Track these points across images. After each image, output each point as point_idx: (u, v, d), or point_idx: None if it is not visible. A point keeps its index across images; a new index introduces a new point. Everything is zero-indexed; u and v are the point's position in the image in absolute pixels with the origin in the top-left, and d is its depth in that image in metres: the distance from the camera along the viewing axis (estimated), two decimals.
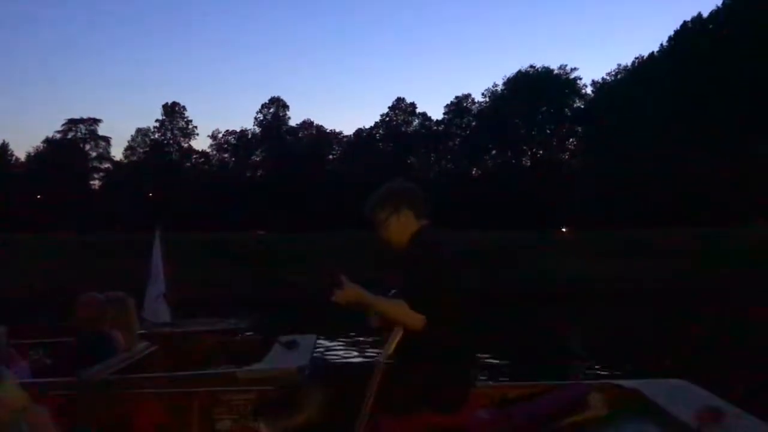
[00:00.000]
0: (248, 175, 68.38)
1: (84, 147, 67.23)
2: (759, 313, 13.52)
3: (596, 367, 8.08)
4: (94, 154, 68.11)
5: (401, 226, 2.87)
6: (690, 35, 48.12)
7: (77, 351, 4.35)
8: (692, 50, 44.77)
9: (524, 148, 63.01)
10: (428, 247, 2.76)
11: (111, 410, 3.65)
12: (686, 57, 44.73)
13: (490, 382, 3.67)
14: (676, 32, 50.82)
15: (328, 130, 70.53)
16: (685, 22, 50.38)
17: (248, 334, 6.89)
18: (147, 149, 68.60)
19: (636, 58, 57.80)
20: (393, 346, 2.59)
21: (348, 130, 70.85)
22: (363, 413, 2.51)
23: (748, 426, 2.83)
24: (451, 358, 2.68)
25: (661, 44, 52.68)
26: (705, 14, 49.04)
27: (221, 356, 5.29)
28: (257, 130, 69.37)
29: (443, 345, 2.65)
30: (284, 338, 4.74)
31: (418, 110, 67.88)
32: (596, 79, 61.97)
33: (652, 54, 53.82)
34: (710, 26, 47.28)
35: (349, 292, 2.68)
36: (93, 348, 4.29)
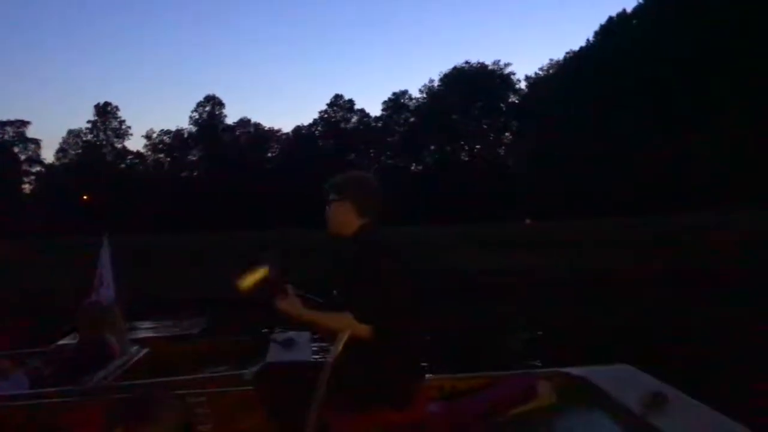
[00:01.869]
0: (184, 175, 67.12)
1: (13, 150, 64.79)
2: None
3: (540, 356, 8.22)
4: (23, 157, 65.86)
5: (339, 216, 2.82)
6: (615, 30, 49.62)
7: (78, 358, 4.27)
8: (615, 45, 46.20)
9: (462, 143, 63.79)
10: (371, 252, 2.68)
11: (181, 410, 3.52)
12: (610, 52, 46.12)
13: (441, 375, 3.66)
14: (602, 27, 52.35)
15: (266, 128, 69.99)
16: (610, 18, 51.98)
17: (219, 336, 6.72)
18: (79, 151, 66.63)
19: (567, 53, 59.34)
20: (341, 345, 2.55)
21: (287, 128, 70.34)
22: (313, 412, 2.47)
23: (690, 409, 2.91)
24: (400, 354, 2.65)
25: (588, 39, 54.27)
26: (629, 10, 50.76)
27: (217, 358, 5.15)
28: (193, 129, 68.17)
29: (392, 343, 2.61)
30: (279, 336, 4.65)
31: (356, 107, 68.14)
32: (529, 74, 63.44)
33: (580, 49, 55.29)
34: (633, 21, 48.81)
35: (289, 304, 2.63)
36: (94, 354, 4.22)
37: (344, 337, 2.54)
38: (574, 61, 54.15)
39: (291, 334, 4.69)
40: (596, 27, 53.61)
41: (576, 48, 56.96)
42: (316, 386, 2.45)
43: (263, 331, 4.99)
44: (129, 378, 4.12)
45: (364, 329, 2.53)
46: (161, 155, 69.00)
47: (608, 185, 40.39)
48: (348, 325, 2.53)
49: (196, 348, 5.48)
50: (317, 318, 2.65)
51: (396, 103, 66.62)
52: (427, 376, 3.39)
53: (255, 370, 2.94)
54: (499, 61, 63.43)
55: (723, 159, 34.39)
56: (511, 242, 21.96)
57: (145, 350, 4.83)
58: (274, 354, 4.44)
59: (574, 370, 3.58)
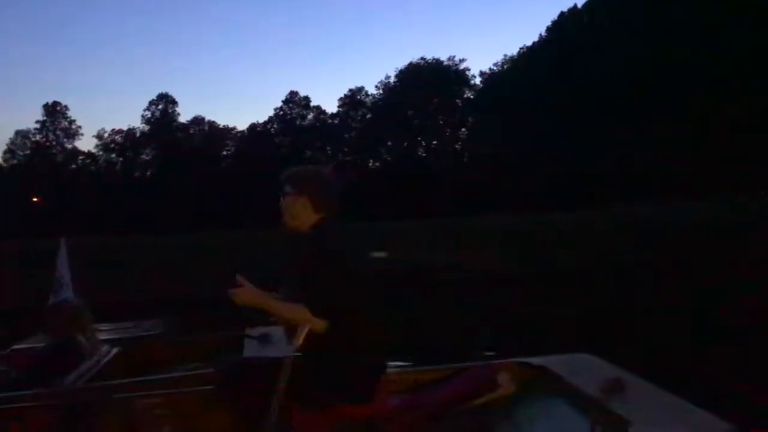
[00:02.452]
0: (137, 175, 65.95)
1: None
2: None
3: (497, 347, 8.29)
4: None
5: (294, 210, 2.78)
6: (566, 25, 50.42)
7: (48, 360, 4.15)
8: (566, 40, 46.99)
9: (419, 138, 64.06)
10: (327, 247, 2.66)
11: (96, 420, 3.41)
12: (561, 47, 46.93)
13: (402, 369, 3.66)
14: (554, 22, 53.15)
15: (220, 126, 69.12)
16: (561, 12, 52.82)
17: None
18: (28, 152, 64.87)
19: (520, 48, 60.08)
20: (300, 340, 2.53)
21: (242, 126, 69.64)
22: (273, 409, 2.44)
23: (648, 394, 2.96)
24: (360, 349, 2.63)
25: (540, 34, 55.01)
26: (580, 5, 51.52)
27: (191, 356, 5.03)
28: (146, 128, 66.94)
29: (352, 337, 2.60)
30: (253, 332, 4.58)
31: (312, 103, 67.69)
32: (484, 70, 64.03)
33: (533, 44, 56.03)
34: (584, 16, 49.66)
35: (247, 294, 2.60)
36: (65, 356, 4.11)
37: (304, 331, 2.51)
38: (527, 57, 54.86)
39: (266, 329, 4.62)
40: (549, 22, 54.47)
41: (529, 43, 57.84)
42: (275, 383, 2.42)
43: (237, 327, 4.90)
44: (101, 380, 4.03)
45: (320, 323, 2.52)
46: (113, 155, 67.60)
47: (560, 179, 41.07)
48: (305, 318, 2.51)
49: (169, 347, 5.36)
50: (276, 307, 2.61)
51: (352, 99, 66.52)
52: (388, 370, 3.38)
53: (217, 369, 2.88)
54: (454, 56, 63.95)
55: (668, 155, 35.25)
56: (465, 237, 22.09)
57: (115, 350, 4.73)
58: (250, 350, 4.38)
59: (534, 360, 3.62)
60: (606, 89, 40.79)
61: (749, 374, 6.17)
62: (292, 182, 2.81)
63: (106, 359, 4.46)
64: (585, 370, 3.36)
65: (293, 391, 2.52)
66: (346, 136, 66.16)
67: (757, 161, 32.03)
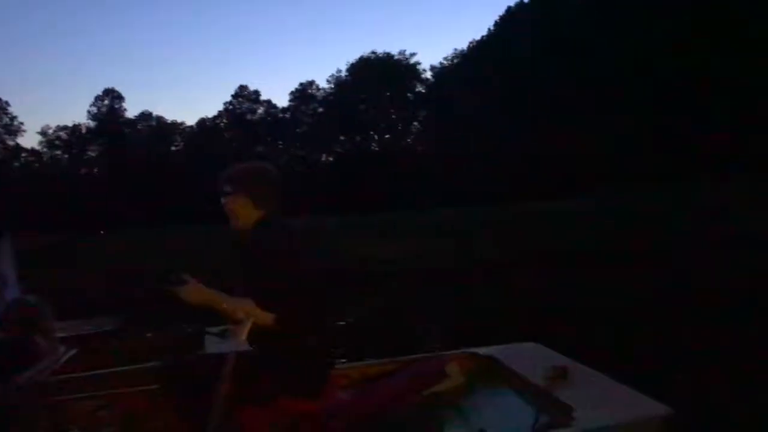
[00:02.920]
0: (84, 172, 64.37)
1: None
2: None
3: (447, 339, 8.38)
4: None
5: (236, 209, 2.77)
6: (512, 20, 51.05)
7: (1, 358, 3.98)
8: (513, 35, 47.61)
9: (371, 132, 64.08)
10: (270, 243, 2.65)
11: (53, 417, 3.30)
12: (508, 42, 47.50)
13: (351, 363, 3.66)
14: (501, 17, 53.76)
15: (169, 121, 67.89)
16: (509, 7, 53.44)
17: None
18: None
19: (470, 42, 60.49)
20: (243, 335, 2.51)
21: (190, 121, 68.57)
22: (218, 405, 2.41)
23: (591, 380, 3.03)
24: (307, 344, 2.63)
25: (489, 29, 55.53)
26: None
27: (149, 353, 4.92)
28: (92, 124, 65.31)
29: (299, 332, 2.59)
30: (213, 329, 4.51)
31: (262, 98, 67.01)
32: (435, 64, 64.35)
33: (482, 38, 56.54)
34: (530, 12, 50.26)
35: (192, 290, 2.58)
36: (20, 354, 3.93)
37: (248, 326, 2.50)
38: (476, 51, 55.34)
39: (225, 326, 4.58)
40: (497, 17, 55.00)
41: (479, 37, 58.30)
42: (219, 379, 2.39)
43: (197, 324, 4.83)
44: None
45: (267, 317, 2.50)
46: (58, 152, 65.84)
47: (508, 173, 41.65)
48: (251, 312, 2.50)
49: (127, 344, 5.26)
50: (222, 302, 2.59)
51: (303, 93, 66.03)
52: (337, 364, 3.38)
53: (159, 366, 2.83)
54: (404, 51, 64.02)
55: (613, 147, 36.12)
56: (414, 231, 22.20)
57: (73, 350, 4.63)
58: (211, 346, 4.33)
59: (482, 350, 3.66)
60: (551, 83, 41.44)
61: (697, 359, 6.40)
62: (231, 181, 2.79)
63: (64, 358, 4.36)
64: (532, 358, 3.42)
65: (240, 387, 2.50)
66: (297, 130, 65.72)
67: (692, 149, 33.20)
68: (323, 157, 64.80)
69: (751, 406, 4.84)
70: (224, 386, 2.41)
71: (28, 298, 4.60)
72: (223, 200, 2.79)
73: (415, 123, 64.94)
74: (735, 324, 8.01)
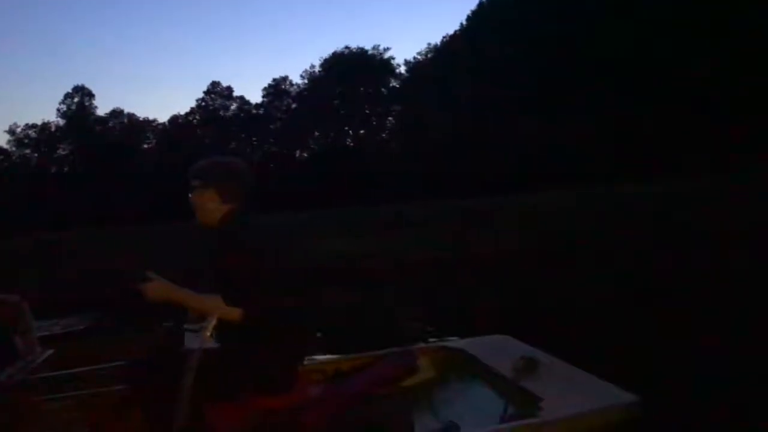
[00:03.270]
0: (54, 170, 63.47)
1: None
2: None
3: (428, 330, 8.44)
4: None
5: (203, 203, 2.76)
6: (485, 14, 51.22)
7: None
8: (485, 28, 47.82)
9: (346, 128, 63.96)
10: (237, 237, 2.64)
11: (29, 415, 3.27)
12: (479, 36, 47.71)
13: (323, 358, 3.69)
14: (473, 11, 53.93)
15: (141, 119, 67.13)
16: (480, 2, 53.50)
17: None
18: None
19: (443, 36, 60.57)
20: (208, 331, 2.51)
21: (163, 117, 67.89)
22: (183, 402, 2.41)
23: (559, 372, 3.08)
24: (276, 339, 2.62)
25: (461, 23, 55.67)
26: None
27: (127, 353, 4.86)
28: (61, 122, 64.40)
29: (267, 327, 2.59)
30: (191, 326, 4.49)
31: (235, 94, 66.51)
32: (409, 59, 64.37)
33: (455, 33, 56.66)
34: (501, 6, 50.44)
35: (158, 288, 2.58)
36: None
37: (212, 322, 2.50)
38: (449, 45, 55.46)
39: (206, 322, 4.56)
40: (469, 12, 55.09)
41: (452, 32, 58.38)
42: (184, 375, 2.39)
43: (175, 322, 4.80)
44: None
45: (234, 312, 2.50)
46: (27, 151, 64.82)
47: (482, 166, 41.90)
48: (218, 308, 2.50)
49: (103, 344, 5.20)
50: (189, 298, 2.60)
51: (276, 89, 65.63)
52: (309, 360, 3.40)
53: (125, 365, 2.82)
54: (378, 45, 63.95)
55: (587, 141, 36.48)
56: (388, 225, 22.24)
57: (50, 350, 4.58)
58: (191, 342, 4.31)
59: (453, 343, 3.71)
60: (521, 77, 41.68)
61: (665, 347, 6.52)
62: (199, 175, 2.78)
63: (41, 358, 4.32)
64: (502, 350, 3.47)
65: (209, 384, 2.50)
66: (271, 126, 65.38)
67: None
68: (298, 153, 64.53)
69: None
70: (188, 383, 2.41)
71: (6, 297, 4.56)
72: (190, 195, 2.78)
73: (390, 118, 64.97)
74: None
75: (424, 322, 9.29)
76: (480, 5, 53.19)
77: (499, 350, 3.49)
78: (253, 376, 2.56)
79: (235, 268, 2.52)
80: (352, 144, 63.32)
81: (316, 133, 63.68)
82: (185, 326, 4.57)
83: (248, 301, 2.51)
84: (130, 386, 2.66)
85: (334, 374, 3.39)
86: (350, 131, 64.34)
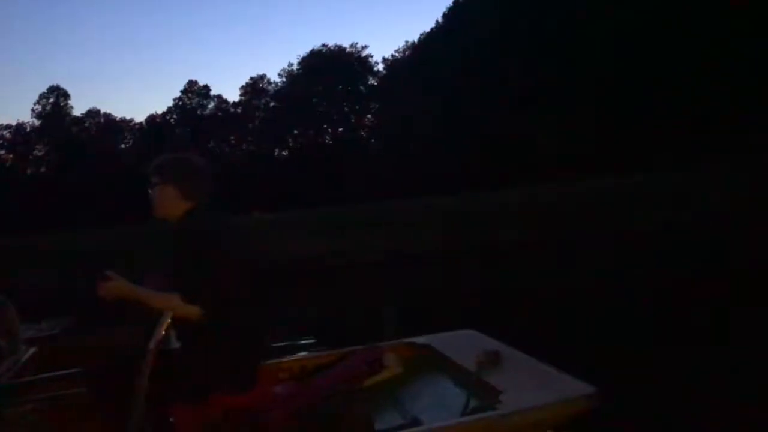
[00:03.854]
0: (30, 171, 62.69)
1: None
2: None
3: (397, 329, 8.47)
4: None
5: (162, 200, 2.76)
6: (460, 11, 51.38)
7: None
8: (459, 26, 48.00)
9: (325, 126, 63.85)
10: (197, 234, 2.63)
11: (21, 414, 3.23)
12: (456, 34, 47.86)
13: (288, 357, 3.70)
14: (449, 8, 54.14)
15: (117, 118, 66.41)
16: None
17: None
18: None
19: (421, 34, 60.64)
20: (162, 330, 2.51)
21: (139, 117, 67.25)
22: (138, 403, 2.42)
23: (522, 364, 3.13)
24: (238, 337, 2.63)
25: (437, 20, 55.84)
26: None
27: (100, 354, 4.81)
28: (36, 122, 63.60)
29: (227, 325, 2.59)
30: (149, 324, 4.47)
31: (212, 92, 66.08)
32: (387, 56, 64.37)
33: (431, 30, 56.74)
34: (477, 4, 50.63)
35: (116, 286, 2.57)
36: None
37: (166, 320, 2.50)
38: (426, 43, 55.58)
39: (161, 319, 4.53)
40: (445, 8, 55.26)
41: (428, 29, 58.46)
42: (138, 376, 2.39)
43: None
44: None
45: (192, 310, 2.50)
46: (2, 152, 63.91)
47: (457, 163, 42.12)
48: (176, 306, 2.50)
49: (87, 345, 5.13)
50: (146, 296, 2.59)
51: (254, 87, 65.34)
52: (274, 358, 3.41)
53: (85, 369, 2.81)
54: (356, 43, 64.08)
55: (562, 137, 36.79)
56: (363, 223, 22.27)
57: (32, 350, 4.53)
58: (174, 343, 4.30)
59: (419, 339, 3.74)
60: (498, 74, 41.86)
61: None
62: (159, 172, 2.79)
63: (24, 359, 4.27)
64: (468, 345, 3.50)
65: (169, 384, 2.50)
66: (249, 125, 65.07)
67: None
68: (276, 152, 64.32)
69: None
70: (142, 383, 2.41)
71: None
72: (150, 191, 2.79)
73: (369, 116, 64.96)
74: None
75: (394, 320, 9.32)
76: (455, 2, 53.39)
77: (464, 345, 3.52)
78: (212, 375, 2.55)
79: (194, 265, 2.52)
80: (330, 142, 63.23)
81: (295, 132, 63.49)
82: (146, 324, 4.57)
83: (207, 298, 2.50)
84: (89, 389, 2.65)
85: (299, 372, 3.41)
86: (329, 129, 64.25)
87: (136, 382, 2.41)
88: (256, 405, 2.63)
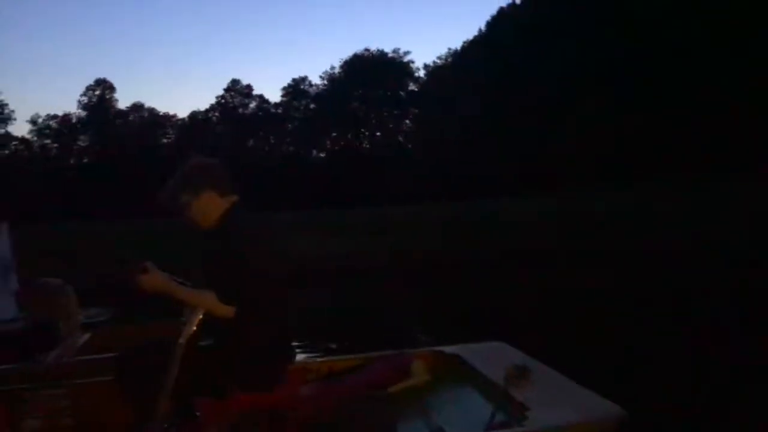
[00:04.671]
0: (73, 162, 64.05)
1: None
2: None
3: (419, 335, 8.47)
4: None
5: (205, 208, 2.75)
6: (504, 20, 51.21)
7: (24, 339, 4.04)
8: (503, 36, 47.79)
9: (363, 130, 64.08)
10: (235, 233, 2.64)
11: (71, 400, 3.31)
12: (498, 43, 47.69)
13: (317, 358, 3.71)
14: (492, 17, 53.96)
15: (161, 113, 67.51)
16: (501, 8, 53.58)
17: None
18: None
19: (464, 42, 60.58)
20: (193, 326, 2.53)
21: (182, 113, 68.20)
22: (164, 395, 2.44)
23: (551, 381, 3.08)
24: (267, 336, 2.65)
25: (480, 29, 55.67)
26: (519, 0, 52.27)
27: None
28: (82, 113, 64.90)
29: (257, 325, 2.61)
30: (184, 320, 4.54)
31: (254, 92, 66.75)
32: (428, 63, 64.35)
33: (473, 38, 56.63)
34: (521, 13, 50.37)
35: (153, 279, 2.59)
36: (42, 336, 4.02)
37: (198, 317, 2.52)
38: (469, 51, 55.48)
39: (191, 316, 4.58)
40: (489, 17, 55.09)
41: (471, 37, 58.35)
42: (167, 369, 2.41)
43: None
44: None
45: (227, 309, 2.51)
46: (48, 141, 65.42)
47: (497, 169, 41.95)
48: (211, 304, 2.51)
49: (139, 331, 5.22)
50: (182, 293, 2.61)
51: (295, 89, 65.84)
52: (302, 358, 3.42)
53: (115, 356, 2.85)
54: (398, 49, 64.05)
55: (607, 142, 36.42)
56: (398, 226, 22.28)
57: (87, 334, 4.62)
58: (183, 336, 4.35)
59: (448, 349, 3.71)
60: (540, 85, 41.60)
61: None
62: (188, 188, 2.75)
63: (80, 343, 4.35)
64: (496, 357, 3.46)
65: (196, 379, 2.53)
66: (289, 126, 65.62)
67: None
68: (314, 153, 64.72)
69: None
70: (171, 375, 2.43)
71: (52, 281, 4.60)
72: (186, 213, 2.76)
73: (407, 121, 65.00)
74: None
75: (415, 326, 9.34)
76: (500, 10, 53.29)
77: (492, 357, 3.49)
78: (240, 373, 2.58)
79: (231, 265, 2.54)
80: (368, 146, 63.41)
81: (334, 134, 63.84)
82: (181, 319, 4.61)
83: (241, 299, 2.52)
84: (117, 377, 2.68)
85: (327, 374, 3.41)
86: (366, 133, 64.44)
87: (165, 374, 2.44)
88: (280, 404, 2.64)
